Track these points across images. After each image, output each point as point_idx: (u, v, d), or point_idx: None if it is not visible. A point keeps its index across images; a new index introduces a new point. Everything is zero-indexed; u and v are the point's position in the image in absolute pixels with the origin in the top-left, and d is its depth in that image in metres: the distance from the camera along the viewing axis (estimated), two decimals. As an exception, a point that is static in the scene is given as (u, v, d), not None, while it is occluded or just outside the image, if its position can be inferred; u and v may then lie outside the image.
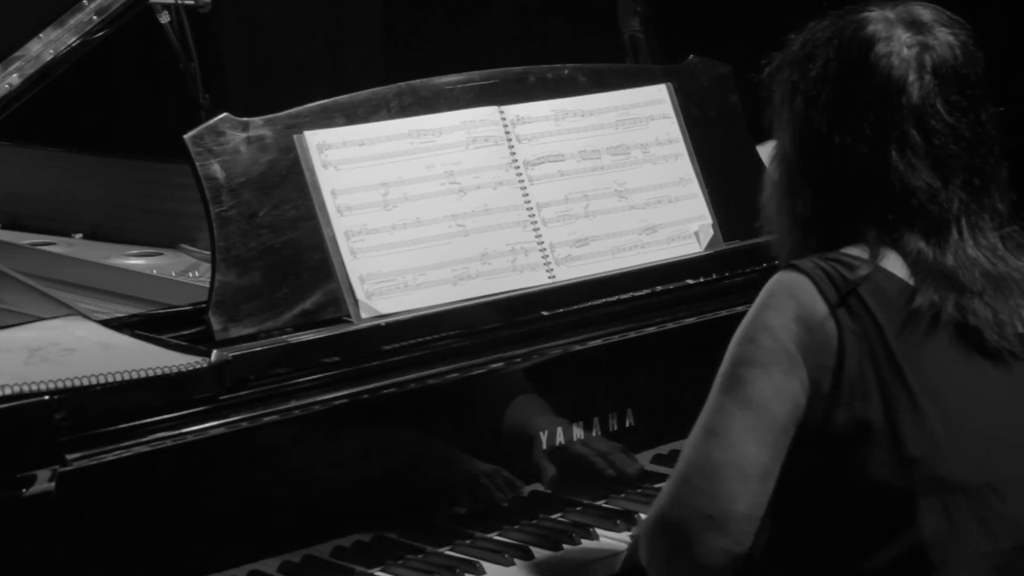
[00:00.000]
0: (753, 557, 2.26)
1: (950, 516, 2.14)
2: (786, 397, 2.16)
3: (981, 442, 2.17)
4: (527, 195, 2.82)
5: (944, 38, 2.23)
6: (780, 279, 2.19)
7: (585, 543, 2.64)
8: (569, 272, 2.81)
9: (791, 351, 2.15)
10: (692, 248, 2.94)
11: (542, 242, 2.80)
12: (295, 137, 2.65)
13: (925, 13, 2.26)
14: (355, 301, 2.61)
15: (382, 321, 2.60)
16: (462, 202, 2.75)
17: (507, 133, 2.83)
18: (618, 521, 2.69)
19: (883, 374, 2.15)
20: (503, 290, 2.73)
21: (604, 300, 2.81)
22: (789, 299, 2.17)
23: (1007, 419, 2.20)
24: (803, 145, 2.24)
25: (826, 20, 2.27)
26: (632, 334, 2.81)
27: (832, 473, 2.17)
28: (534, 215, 2.81)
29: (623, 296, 2.83)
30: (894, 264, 2.19)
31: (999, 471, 2.17)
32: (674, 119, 3.02)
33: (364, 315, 2.60)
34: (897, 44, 2.21)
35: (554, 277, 2.80)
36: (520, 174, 2.82)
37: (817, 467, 2.18)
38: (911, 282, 2.18)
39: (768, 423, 2.16)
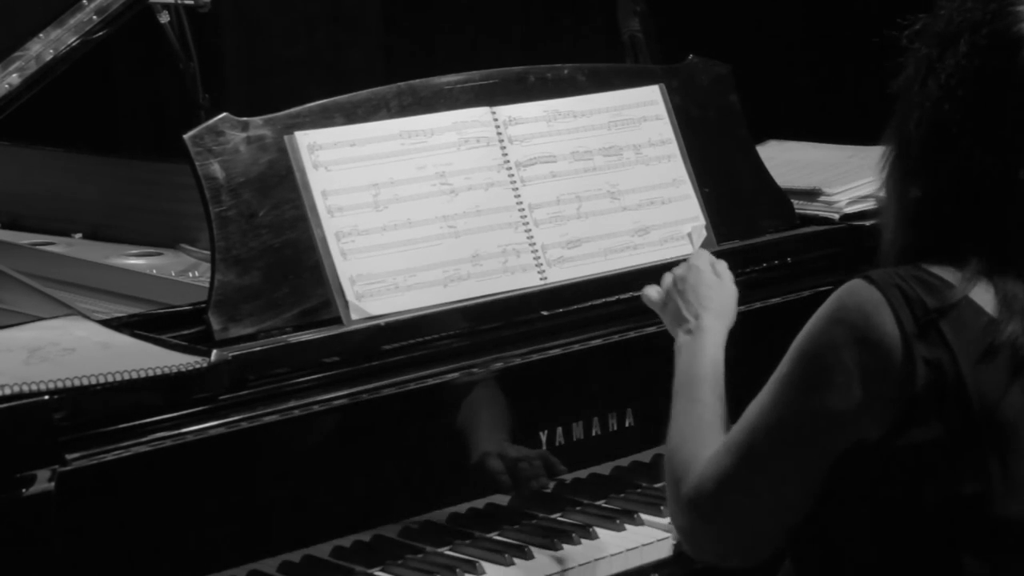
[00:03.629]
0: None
1: (993, 557, 2.05)
2: (838, 423, 2.06)
3: None
4: (519, 196, 2.81)
5: None
6: (853, 291, 2.07)
7: (585, 543, 2.64)
8: (561, 273, 2.81)
9: (852, 372, 2.04)
10: (685, 250, 2.91)
11: (534, 243, 2.79)
12: (286, 138, 2.64)
13: None
14: (345, 302, 2.60)
15: (381, 321, 2.60)
16: (453, 203, 2.74)
17: (499, 134, 2.82)
18: (618, 521, 2.69)
19: (950, 407, 2.03)
20: (494, 292, 2.73)
21: (596, 302, 2.80)
22: (859, 316, 2.04)
23: None
24: (928, 134, 2.07)
25: None
26: (631, 334, 2.81)
27: (882, 496, 2.08)
28: (526, 216, 2.80)
29: (616, 297, 2.81)
30: (983, 296, 2.05)
31: None
32: (667, 120, 3.00)
33: (354, 316, 2.60)
34: None
35: (546, 279, 2.79)
36: (512, 175, 2.81)
37: (868, 488, 2.09)
38: (997, 317, 2.03)
39: (815, 455, 2.08)
